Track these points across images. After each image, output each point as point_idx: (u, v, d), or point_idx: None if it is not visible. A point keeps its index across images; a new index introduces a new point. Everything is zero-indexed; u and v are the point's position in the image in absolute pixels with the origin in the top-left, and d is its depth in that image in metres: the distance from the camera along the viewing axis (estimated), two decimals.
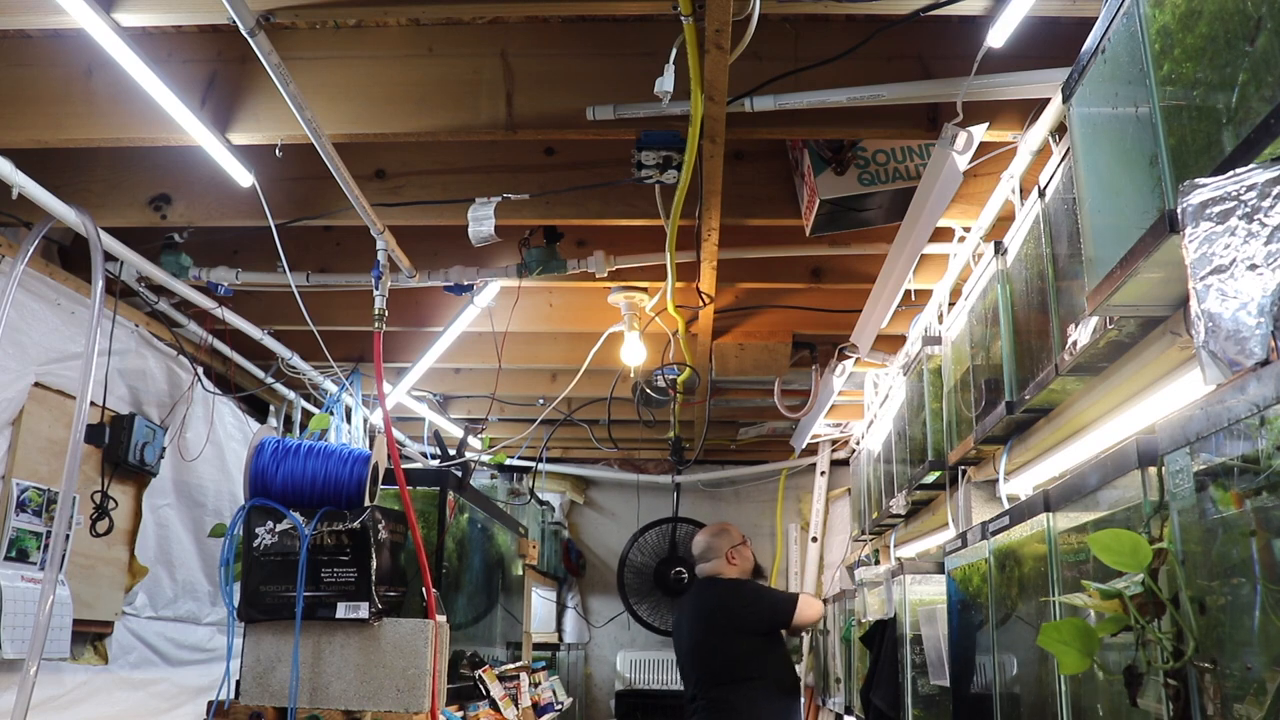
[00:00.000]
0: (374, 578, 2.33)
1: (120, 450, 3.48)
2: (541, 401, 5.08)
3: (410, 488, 2.76)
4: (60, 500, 2.49)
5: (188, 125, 2.48)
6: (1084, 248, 1.70)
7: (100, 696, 3.40)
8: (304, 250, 3.49)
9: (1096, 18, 1.62)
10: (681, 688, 3.96)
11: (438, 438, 3.63)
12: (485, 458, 4.77)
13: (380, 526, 2.41)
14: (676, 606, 4.18)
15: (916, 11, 2.27)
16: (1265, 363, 1.01)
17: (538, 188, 2.97)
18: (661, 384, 4.40)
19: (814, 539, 6.32)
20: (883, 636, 3.12)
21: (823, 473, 6.33)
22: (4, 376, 2.97)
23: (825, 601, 4.74)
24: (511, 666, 3.91)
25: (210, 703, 2.34)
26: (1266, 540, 0.99)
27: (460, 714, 2.94)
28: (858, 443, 5.22)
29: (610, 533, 6.91)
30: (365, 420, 4.92)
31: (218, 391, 4.13)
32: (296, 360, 4.29)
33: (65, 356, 3.21)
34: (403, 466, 2.57)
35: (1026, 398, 2.16)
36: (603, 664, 6.96)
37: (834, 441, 6.14)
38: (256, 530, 2.33)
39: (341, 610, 2.31)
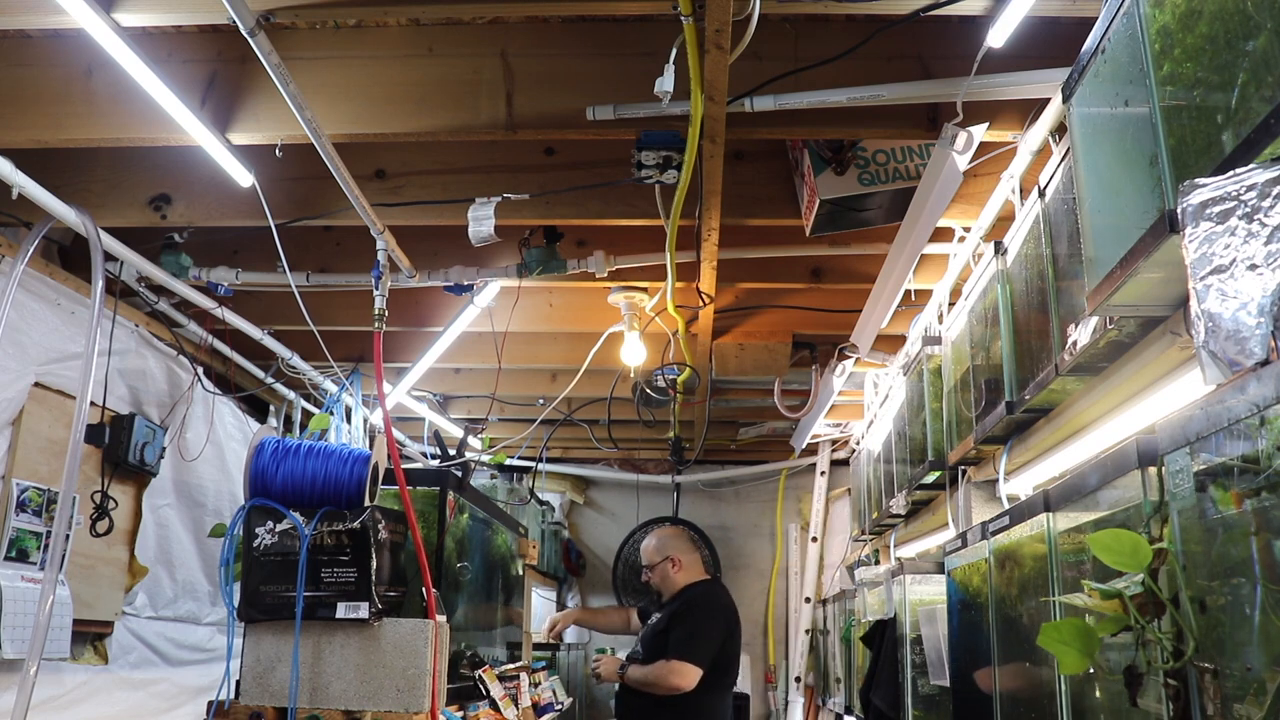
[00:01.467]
0: (374, 578, 2.32)
1: (120, 450, 3.48)
2: (541, 401, 5.08)
3: (410, 488, 2.75)
4: (60, 500, 2.49)
5: (188, 125, 2.48)
6: (1084, 248, 1.70)
7: (100, 696, 3.40)
8: (304, 250, 3.49)
9: (1096, 18, 1.62)
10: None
11: (438, 438, 3.63)
12: (485, 458, 4.77)
13: (380, 526, 2.40)
14: (723, 598, 4.02)
15: (916, 11, 2.26)
16: (1265, 363, 1.01)
17: (538, 188, 2.97)
18: (661, 384, 4.40)
19: (814, 539, 6.32)
20: (883, 636, 3.13)
21: (823, 473, 6.33)
22: (4, 376, 2.97)
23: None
24: (511, 666, 3.90)
25: (210, 703, 2.33)
26: (1266, 540, 0.99)
27: (460, 714, 2.94)
28: (858, 443, 5.22)
29: (610, 533, 6.91)
30: (365, 420, 4.92)
31: (218, 391, 4.13)
32: (296, 360, 4.29)
33: (65, 356, 3.21)
34: (403, 466, 2.57)
35: (1026, 398, 2.16)
36: None
37: (834, 441, 6.14)
38: (256, 530, 2.32)
39: (341, 610, 2.31)
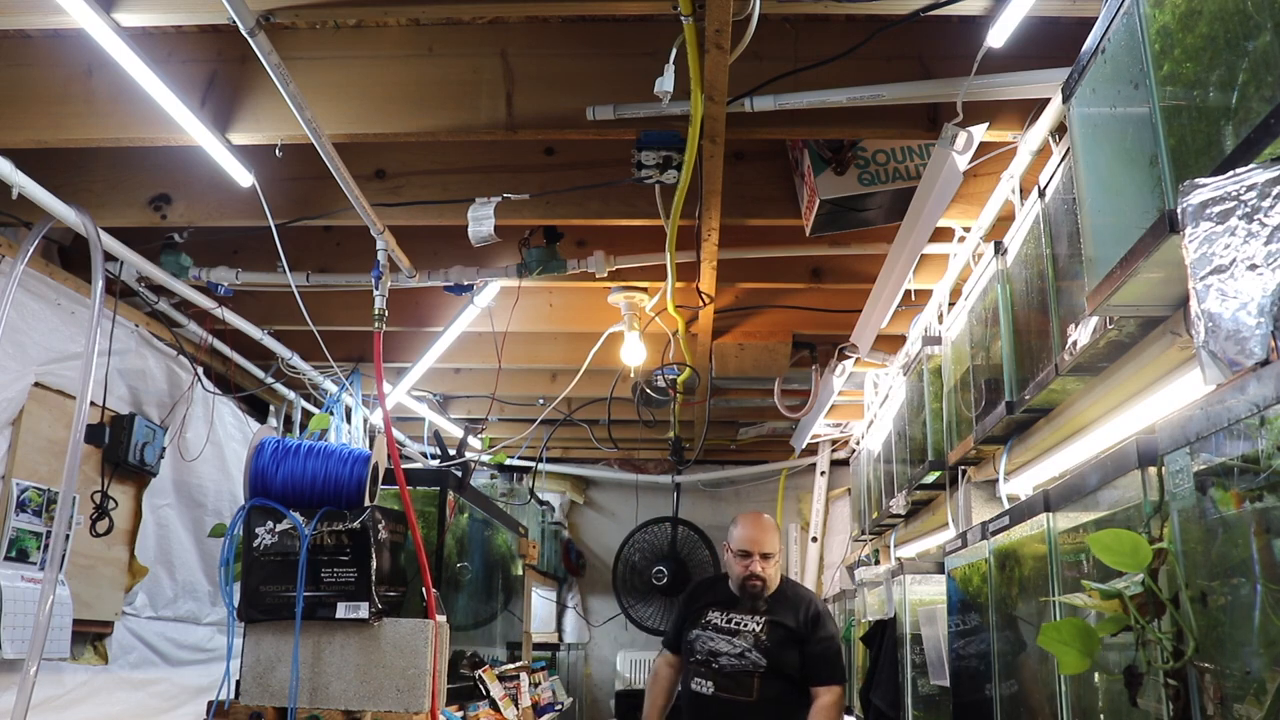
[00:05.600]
0: (374, 578, 2.32)
1: (120, 450, 3.48)
2: (541, 401, 5.08)
3: (410, 488, 2.75)
4: (60, 500, 2.49)
5: (188, 125, 2.48)
6: (1084, 248, 1.70)
7: (100, 696, 3.40)
8: (304, 250, 3.49)
9: (1096, 18, 1.62)
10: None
11: (438, 438, 3.63)
12: (485, 458, 4.77)
13: (380, 526, 2.40)
14: None
15: (916, 11, 2.27)
16: (1265, 363, 1.01)
17: (538, 188, 2.97)
18: (661, 384, 4.40)
19: (814, 539, 6.32)
20: (883, 636, 3.12)
21: (823, 473, 6.33)
22: (4, 376, 2.97)
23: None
24: (511, 666, 3.90)
25: (210, 703, 2.33)
26: (1266, 540, 0.99)
27: (460, 714, 2.94)
28: (858, 443, 5.22)
29: (610, 533, 6.91)
30: (365, 420, 4.92)
31: (218, 391, 4.13)
32: (296, 360, 4.29)
33: (65, 356, 3.21)
34: (403, 466, 2.57)
35: (1026, 398, 2.16)
36: (602, 664, 6.96)
37: (834, 441, 6.14)
38: (256, 530, 2.32)
39: (341, 610, 2.31)
